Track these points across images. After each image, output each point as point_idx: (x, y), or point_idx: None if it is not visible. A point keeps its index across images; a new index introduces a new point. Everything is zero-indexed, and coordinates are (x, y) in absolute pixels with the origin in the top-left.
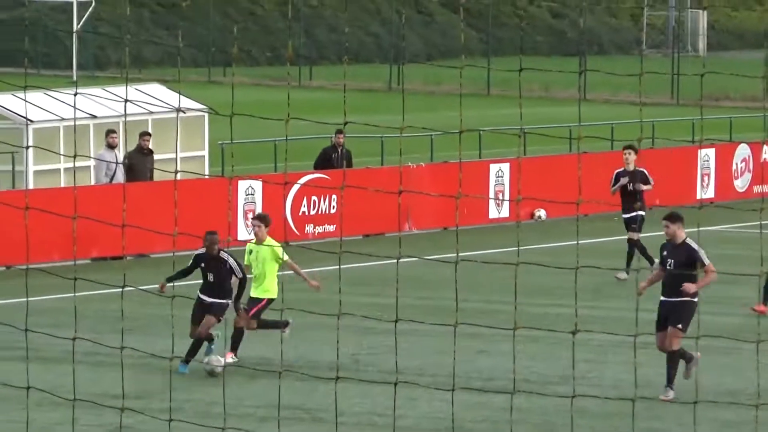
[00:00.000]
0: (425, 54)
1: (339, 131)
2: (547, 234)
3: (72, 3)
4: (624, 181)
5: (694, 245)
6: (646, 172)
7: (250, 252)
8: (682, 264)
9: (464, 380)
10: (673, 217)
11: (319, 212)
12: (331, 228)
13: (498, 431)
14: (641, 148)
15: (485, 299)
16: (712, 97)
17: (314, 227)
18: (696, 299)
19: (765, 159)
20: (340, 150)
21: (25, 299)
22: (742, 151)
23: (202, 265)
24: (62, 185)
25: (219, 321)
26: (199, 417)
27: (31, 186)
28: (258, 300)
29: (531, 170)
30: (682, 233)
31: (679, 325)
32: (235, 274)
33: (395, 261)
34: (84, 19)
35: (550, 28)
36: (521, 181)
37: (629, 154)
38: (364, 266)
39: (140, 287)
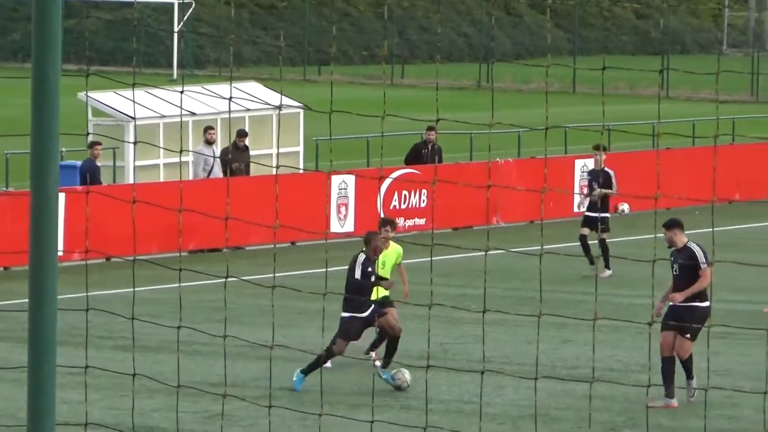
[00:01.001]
0: (514, 53)
1: (430, 128)
2: (631, 227)
3: (173, 4)
4: (590, 185)
5: (695, 248)
6: (612, 174)
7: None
8: (685, 267)
9: (549, 369)
10: (669, 224)
11: (410, 206)
12: (422, 221)
13: (581, 418)
14: (719, 144)
15: (570, 290)
16: None
17: (405, 220)
18: (706, 303)
19: None
20: (430, 146)
21: (123, 290)
22: None
23: (369, 269)
24: (161, 180)
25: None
26: (294, 404)
27: (131, 180)
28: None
29: (615, 165)
30: (682, 238)
31: (688, 335)
32: None
33: (483, 253)
34: (185, 19)
35: (634, 28)
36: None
37: (598, 154)
38: (453, 258)
39: (242, 278)
